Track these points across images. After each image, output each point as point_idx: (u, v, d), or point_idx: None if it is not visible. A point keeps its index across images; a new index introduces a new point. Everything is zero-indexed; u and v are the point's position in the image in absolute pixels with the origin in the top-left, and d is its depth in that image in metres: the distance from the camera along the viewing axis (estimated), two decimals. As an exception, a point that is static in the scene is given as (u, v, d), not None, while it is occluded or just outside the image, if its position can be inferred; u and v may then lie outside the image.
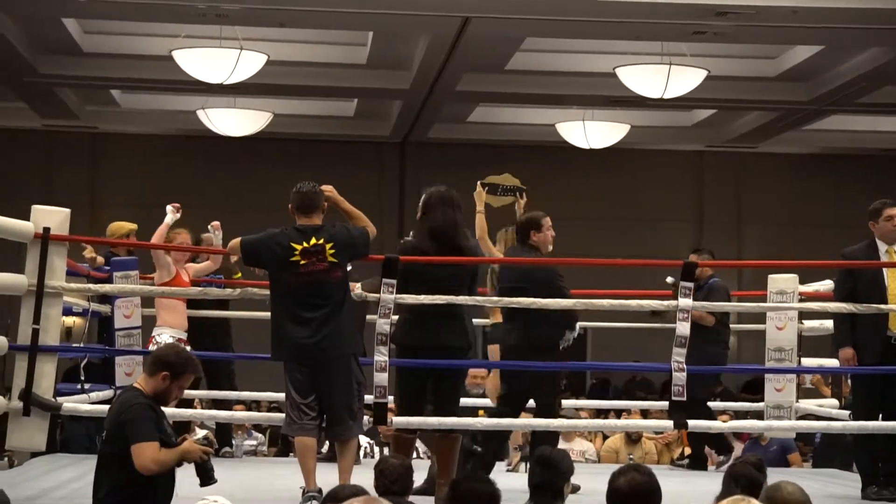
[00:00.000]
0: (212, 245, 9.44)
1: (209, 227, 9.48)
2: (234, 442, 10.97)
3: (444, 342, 7.21)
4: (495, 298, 7.69)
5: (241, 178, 18.95)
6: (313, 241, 6.75)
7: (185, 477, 5.71)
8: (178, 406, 7.05)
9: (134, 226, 9.87)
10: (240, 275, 10.26)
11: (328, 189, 7.05)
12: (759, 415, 9.61)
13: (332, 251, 6.75)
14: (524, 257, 7.87)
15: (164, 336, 8.82)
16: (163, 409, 5.70)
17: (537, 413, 7.91)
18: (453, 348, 7.25)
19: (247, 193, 18.59)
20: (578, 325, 7.88)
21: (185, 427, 9.49)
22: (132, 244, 9.40)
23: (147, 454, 5.42)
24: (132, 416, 5.48)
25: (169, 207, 9.11)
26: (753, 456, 5.88)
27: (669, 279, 9.09)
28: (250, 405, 13.15)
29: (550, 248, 8.04)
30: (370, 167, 19.41)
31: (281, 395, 7.18)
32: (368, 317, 8.23)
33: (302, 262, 6.72)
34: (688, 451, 10.08)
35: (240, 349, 10.24)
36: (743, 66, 15.63)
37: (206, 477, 5.60)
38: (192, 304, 9.56)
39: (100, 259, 9.68)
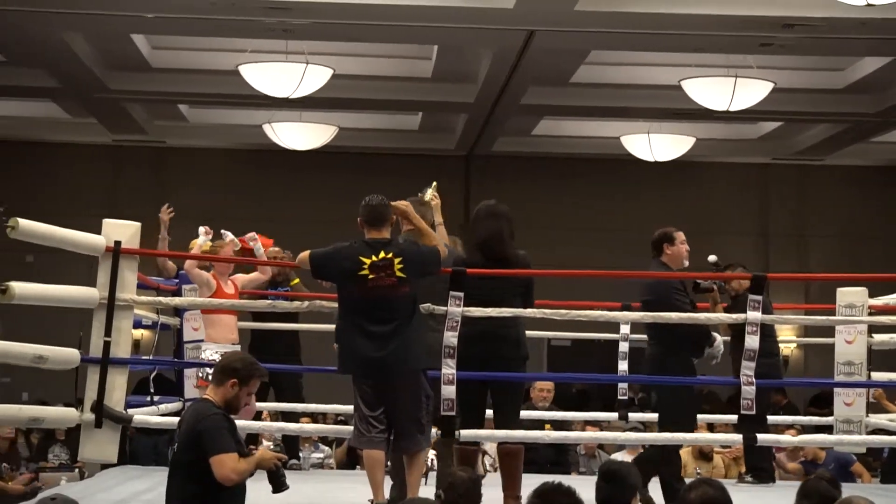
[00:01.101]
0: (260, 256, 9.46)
1: (247, 238, 9.44)
2: (301, 454, 11.01)
3: (499, 354, 7.20)
4: (543, 311, 7.63)
5: (307, 191, 19.06)
6: (382, 254, 6.76)
7: (257, 488, 5.74)
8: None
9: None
10: (297, 281, 10.28)
11: (402, 205, 7.07)
12: (827, 429, 9.53)
13: (400, 266, 6.74)
14: (654, 272, 7.88)
15: (209, 352, 8.84)
16: (235, 422, 5.73)
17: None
18: (508, 359, 7.24)
19: (312, 207, 18.70)
20: (720, 340, 7.79)
21: (252, 439, 9.55)
22: (199, 257, 9.45)
23: (228, 465, 5.45)
24: (208, 427, 5.50)
25: (201, 229, 9.16)
26: (826, 472, 5.84)
27: (711, 258, 9.06)
28: (316, 417, 13.19)
29: (686, 262, 8.02)
30: (435, 180, 19.43)
31: (348, 408, 7.19)
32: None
33: (370, 276, 6.72)
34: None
35: (306, 361, 10.28)
36: (809, 78, 15.53)
37: (279, 483, 5.62)
38: (256, 316, 9.61)
39: (171, 265, 9.76)
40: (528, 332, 7.48)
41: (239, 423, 6.15)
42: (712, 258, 9.09)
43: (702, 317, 7.46)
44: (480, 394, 7.28)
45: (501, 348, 7.20)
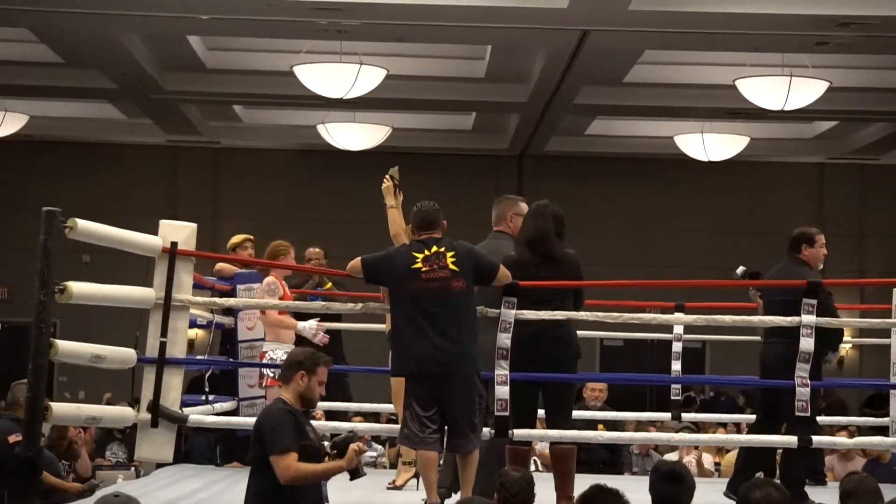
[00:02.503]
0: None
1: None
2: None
3: (551, 354, 7.20)
4: (597, 314, 7.58)
5: (361, 191, 19.04)
6: (434, 248, 6.79)
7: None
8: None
9: (244, 236, 9.99)
10: (330, 284, 10.29)
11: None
12: (883, 430, 9.45)
13: (452, 259, 6.77)
14: (794, 271, 7.86)
15: (280, 353, 8.86)
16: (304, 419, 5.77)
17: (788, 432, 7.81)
18: (560, 359, 7.24)
19: (366, 207, 18.68)
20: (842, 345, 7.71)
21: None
22: (248, 261, 9.48)
23: (281, 465, 5.50)
24: (270, 424, 5.59)
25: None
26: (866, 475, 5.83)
27: (739, 270, 9.04)
28: (368, 417, 13.21)
29: (821, 265, 8.01)
30: (488, 180, 19.47)
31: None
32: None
33: (424, 268, 6.73)
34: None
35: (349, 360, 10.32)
36: (865, 76, 15.42)
37: (355, 471, 5.65)
38: (295, 316, 9.62)
39: (228, 269, 9.74)
40: (580, 332, 7.48)
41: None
42: (740, 270, 9.09)
43: (755, 319, 7.43)
44: (532, 394, 7.27)
45: (553, 348, 7.20)
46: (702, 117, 16.53)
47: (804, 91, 13.58)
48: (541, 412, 7.48)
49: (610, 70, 14.88)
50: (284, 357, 8.39)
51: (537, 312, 7.04)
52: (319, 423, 6.71)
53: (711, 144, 16.65)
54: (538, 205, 7.46)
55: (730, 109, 15.73)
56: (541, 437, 7.40)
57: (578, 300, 7.37)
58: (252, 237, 10.01)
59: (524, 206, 7.70)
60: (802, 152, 19.27)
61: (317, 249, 10.30)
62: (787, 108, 13.74)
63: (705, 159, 16.92)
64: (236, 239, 9.98)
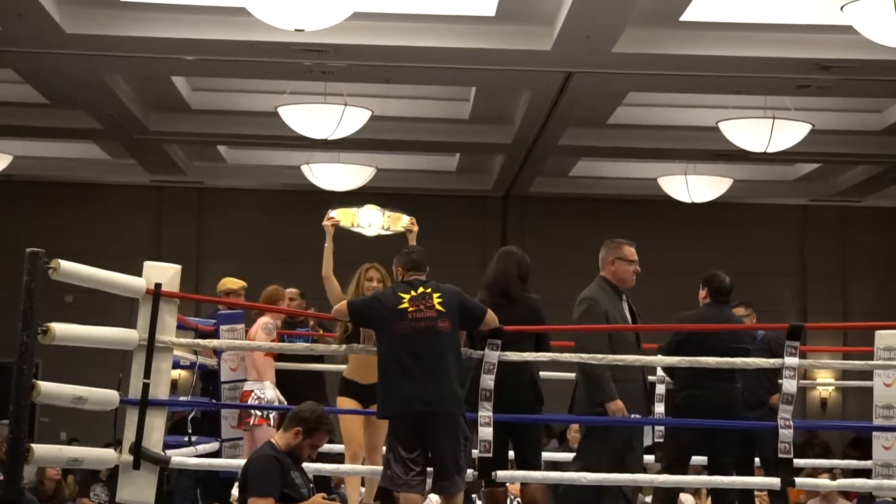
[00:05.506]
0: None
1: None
2: (339, 493, 10.99)
3: (516, 398, 7.23)
4: (580, 356, 7.55)
5: (345, 232, 19.09)
6: (421, 290, 6.85)
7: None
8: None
9: (241, 283, 9.98)
10: (321, 332, 10.31)
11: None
12: (866, 472, 9.46)
13: (439, 300, 6.81)
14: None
15: (269, 392, 8.86)
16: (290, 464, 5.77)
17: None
18: (524, 402, 7.28)
19: (350, 248, 18.70)
20: None
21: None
22: (237, 304, 9.46)
23: None
24: (253, 469, 5.61)
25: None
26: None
27: None
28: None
29: None
30: (473, 221, 19.49)
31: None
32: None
33: (410, 308, 6.77)
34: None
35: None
36: (848, 119, 15.51)
37: None
38: (283, 357, 9.62)
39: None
40: (563, 374, 7.50)
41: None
42: None
43: (738, 361, 7.44)
44: (502, 437, 7.29)
45: (518, 393, 7.25)
46: (685, 159, 16.60)
47: (787, 133, 13.64)
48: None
49: (594, 112, 14.94)
50: (272, 395, 8.45)
51: (521, 354, 7.06)
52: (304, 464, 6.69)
53: (695, 186, 16.71)
54: (503, 249, 7.65)
55: (713, 151, 15.80)
56: (524, 478, 7.40)
57: (542, 344, 7.39)
58: (246, 285, 10.00)
59: (628, 251, 7.77)
60: (785, 194, 19.35)
61: (293, 290, 10.32)
62: (769, 150, 13.79)
63: (689, 201, 16.97)
64: (232, 286, 9.95)
